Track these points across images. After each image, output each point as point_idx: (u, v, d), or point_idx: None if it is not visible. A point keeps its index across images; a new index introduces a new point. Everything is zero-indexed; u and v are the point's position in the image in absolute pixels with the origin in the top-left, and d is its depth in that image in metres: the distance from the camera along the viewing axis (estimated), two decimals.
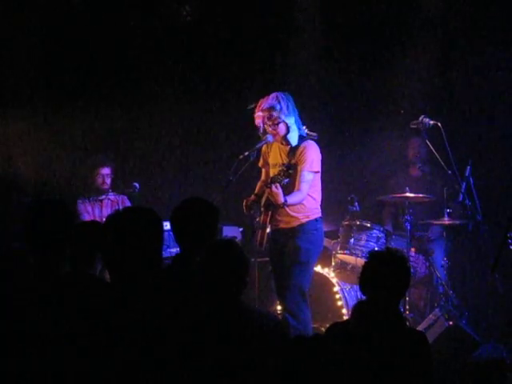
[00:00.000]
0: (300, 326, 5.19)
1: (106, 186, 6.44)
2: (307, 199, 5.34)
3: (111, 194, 6.52)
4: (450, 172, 6.01)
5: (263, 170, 5.67)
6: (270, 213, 5.32)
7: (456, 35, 6.97)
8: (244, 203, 5.42)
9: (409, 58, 7.06)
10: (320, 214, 5.43)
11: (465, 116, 6.94)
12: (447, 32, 6.99)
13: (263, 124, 5.37)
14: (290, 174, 5.12)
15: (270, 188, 5.09)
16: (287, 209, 5.28)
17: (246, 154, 5.36)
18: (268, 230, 5.31)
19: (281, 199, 5.13)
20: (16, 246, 3.64)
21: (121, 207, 6.41)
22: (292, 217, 5.34)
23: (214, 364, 3.12)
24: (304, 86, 7.19)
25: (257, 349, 3.18)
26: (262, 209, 5.35)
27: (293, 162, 5.28)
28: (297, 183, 5.28)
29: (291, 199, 5.21)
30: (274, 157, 5.51)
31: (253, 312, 3.41)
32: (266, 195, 5.32)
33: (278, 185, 5.09)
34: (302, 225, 5.34)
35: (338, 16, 7.19)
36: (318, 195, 5.43)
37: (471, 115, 6.92)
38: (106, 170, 6.42)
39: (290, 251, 5.32)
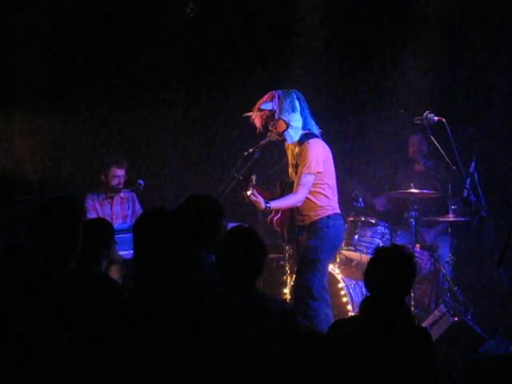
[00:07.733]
0: (311, 325, 5.14)
1: (120, 186, 6.50)
2: (318, 197, 5.28)
3: (122, 191, 6.58)
4: (454, 168, 6.00)
5: None
6: (280, 213, 5.35)
7: (460, 31, 6.95)
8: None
9: (412, 54, 7.05)
10: (334, 211, 5.35)
11: (469, 111, 6.93)
12: (451, 27, 6.97)
13: (264, 123, 5.33)
14: (246, 188, 5.01)
15: (249, 198, 5.03)
16: (299, 208, 5.28)
17: (251, 150, 5.33)
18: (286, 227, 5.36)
19: (262, 206, 5.10)
20: (22, 244, 3.64)
21: (131, 204, 6.57)
22: (304, 215, 5.33)
23: (228, 351, 3.12)
24: (307, 83, 7.17)
25: (273, 335, 3.18)
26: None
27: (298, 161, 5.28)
28: (295, 185, 5.25)
29: (278, 203, 5.21)
30: (289, 156, 5.49)
31: (269, 299, 3.41)
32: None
33: (255, 192, 5.03)
34: (313, 222, 5.30)
35: (340, 11, 7.18)
36: (330, 192, 5.34)
37: (476, 110, 6.91)
38: (120, 172, 6.46)
39: (302, 249, 5.33)
